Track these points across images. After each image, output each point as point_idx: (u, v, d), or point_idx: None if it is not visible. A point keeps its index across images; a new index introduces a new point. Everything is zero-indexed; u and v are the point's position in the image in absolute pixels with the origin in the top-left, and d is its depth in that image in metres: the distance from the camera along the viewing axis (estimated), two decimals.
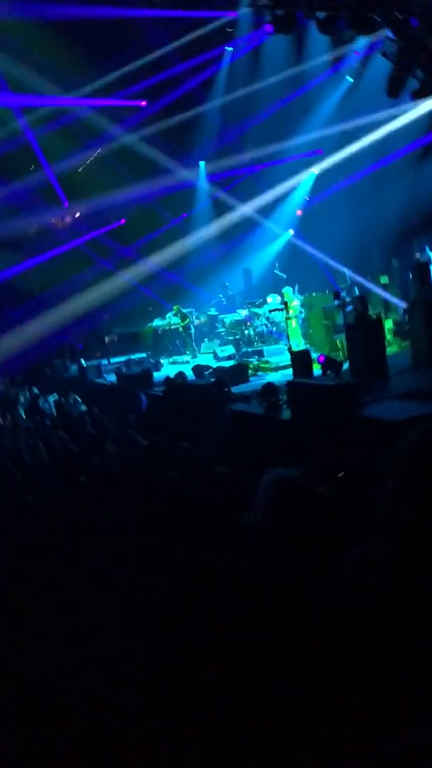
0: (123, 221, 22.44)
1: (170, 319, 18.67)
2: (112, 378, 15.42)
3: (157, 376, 13.99)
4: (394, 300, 15.80)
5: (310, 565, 1.50)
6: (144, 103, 18.24)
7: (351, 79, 17.89)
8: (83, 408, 11.64)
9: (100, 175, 21.60)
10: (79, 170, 22.44)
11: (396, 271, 16.52)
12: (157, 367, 15.73)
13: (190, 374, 12.88)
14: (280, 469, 1.78)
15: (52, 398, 13.59)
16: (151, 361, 16.68)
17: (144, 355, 18.55)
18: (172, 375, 12.36)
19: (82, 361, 17.52)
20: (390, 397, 8.61)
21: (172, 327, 18.57)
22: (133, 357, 17.65)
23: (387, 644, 1.04)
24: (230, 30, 16.65)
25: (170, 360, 17.58)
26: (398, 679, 1.03)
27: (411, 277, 12.41)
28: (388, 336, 13.90)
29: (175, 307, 18.41)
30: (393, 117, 16.16)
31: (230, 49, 17.63)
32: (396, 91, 11.07)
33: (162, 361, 17.09)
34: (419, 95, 10.76)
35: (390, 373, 10.61)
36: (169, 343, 18.59)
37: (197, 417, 9.65)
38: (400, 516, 0.95)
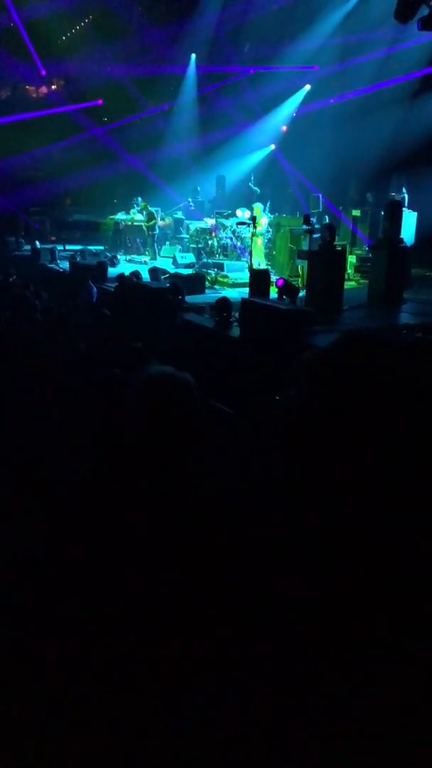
0: (101, 101, 21.21)
1: (134, 215, 18.04)
2: (64, 265, 14.97)
3: (112, 271, 13.66)
4: (362, 235, 15.71)
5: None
6: None
7: None
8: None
9: (84, 48, 20.27)
10: (63, 39, 21.00)
11: (369, 206, 16.34)
12: (113, 262, 15.33)
13: (145, 275, 12.61)
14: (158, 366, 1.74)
15: None
16: (108, 255, 16.23)
17: (102, 248, 18.02)
18: (127, 273, 12.07)
19: (37, 242, 16.89)
20: (338, 330, 8.66)
21: (135, 224, 17.98)
22: (89, 248, 17.13)
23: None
24: None
25: (128, 258, 17.14)
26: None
27: (382, 214, 12.29)
28: (350, 270, 13.91)
29: (142, 203, 17.75)
30: (395, 42, 15.60)
31: None
32: (405, 16, 10.52)
33: (119, 257, 16.66)
34: (427, 25, 10.27)
35: (344, 306, 10.68)
36: (129, 240, 18.07)
37: (146, 320, 9.53)
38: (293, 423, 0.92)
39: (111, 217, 19.27)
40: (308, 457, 0.89)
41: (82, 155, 20.36)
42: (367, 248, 14.58)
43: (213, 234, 15.86)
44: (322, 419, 0.87)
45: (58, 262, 15.66)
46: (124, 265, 15.41)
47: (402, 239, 11.69)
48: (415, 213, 13.64)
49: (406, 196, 14.02)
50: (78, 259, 15.17)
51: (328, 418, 0.87)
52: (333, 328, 9.07)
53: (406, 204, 13.54)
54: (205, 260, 15.31)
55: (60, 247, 17.11)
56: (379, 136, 16.46)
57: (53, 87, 22.33)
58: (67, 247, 17.57)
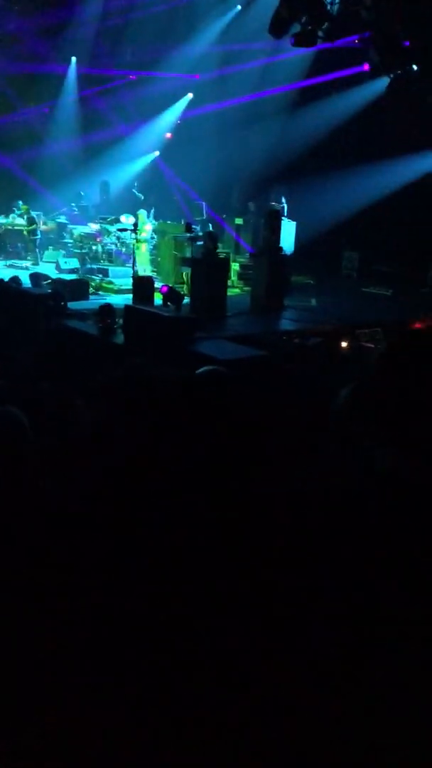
0: None
1: (14, 219, 17.50)
2: None
3: None
4: (244, 244, 16.07)
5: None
6: None
7: (239, 8, 17.47)
8: None
9: None
10: None
11: (251, 215, 16.74)
12: None
13: (26, 281, 12.26)
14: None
15: None
16: None
17: None
18: (6, 278, 11.69)
19: None
20: (221, 336, 8.83)
21: (16, 228, 17.44)
22: None
23: None
24: None
25: (8, 263, 16.58)
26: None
27: (263, 223, 12.63)
28: (233, 278, 14.19)
29: (23, 207, 17.24)
30: (275, 52, 16.11)
31: None
32: (279, 32, 10.91)
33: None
34: (299, 42, 10.72)
35: (227, 313, 10.88)
36: (10, 245, 17.48)
37: (26, 327, 9.27)
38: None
39: None
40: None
41: None
42: (249, 256, 14.93)
43: (98, 240, 15.68)
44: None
45: None
46: (4, 271, 14.90)
47: (281, 248, 12.07)
48: (294, 222, 14.13)
49: (285, 205, 14.50)
50: None
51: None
52: (216, 334, 9.23)
53: (285, 213, 14.00)
54: (89, 266, 15.10)
55: None
56: (260, 147, 16.93)
57: None
58: None
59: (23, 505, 1.60)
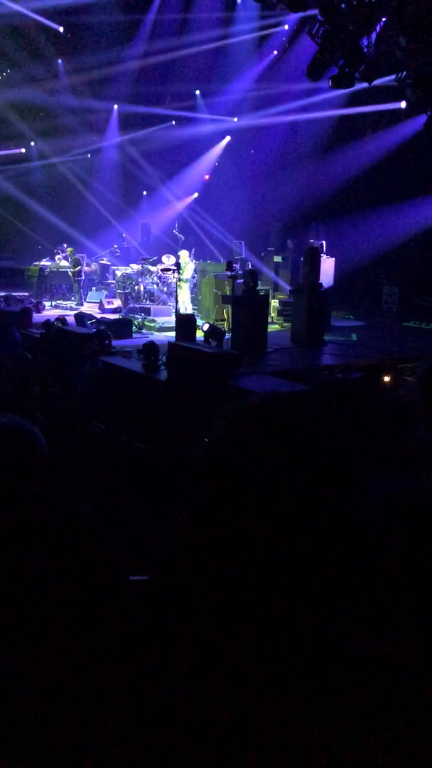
0: (22, 150, 21.28)
1: (59, 261, 18.05)
2: None
3: (38, 317, 13.55)
4: (281, 282, 16.21)
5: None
6: (61, 29, 17.24)
7: (275, 53, 17.95)
8: None
9: (4, 95, 20.37)
10: None
11: (290, 252, 16.91)
12: (39, 308, 15.22)
13: (72, 321, 12.58)
14: None
15: None
16: (33, 301, 16.11)
17: (27, 294, 17.86)
18: (53, 319, 12.02)
19: None
20: (263, 371, 8.89)
21: (61, 270, 17.97)
22: (14, 294, 16.95)
23: None
24: None
25: (53, 303, 17.05)
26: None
27: (302, 260, 12.75)
28: (273, 314, 14.30)
29: (69, 249, 17.83)
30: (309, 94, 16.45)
31: None
32: (316, 75, 11.21)
33: (45, 303, 16.56)
34: (336, 84, 10.98)
35: (268, 349, 10.95)
36: (55, 286, 18.01)
37: (71, 365, 9.48)
38: None
39: (36, 263, 19.17)
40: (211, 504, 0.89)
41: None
42: (288, 292, 15.06)
43: (139, 280, 16.02)
44: (236, 468, 0.88)
45: None
46: (50, 311, 15.32)
47: (321, 284, 12.14)
48: (333, 258, 14.23)
49: (324, 242, 14.63)
50: (2, 305, 14.98)
51: (243, 468, 0.87)
52: (257, 369, 9.29)
53: (324, 250, 14.12)
54: (132, 305, 15.41)
55: None
56: (297, 185, 17.18)
57: None
58: None
59: (32, 524, 1.61)
